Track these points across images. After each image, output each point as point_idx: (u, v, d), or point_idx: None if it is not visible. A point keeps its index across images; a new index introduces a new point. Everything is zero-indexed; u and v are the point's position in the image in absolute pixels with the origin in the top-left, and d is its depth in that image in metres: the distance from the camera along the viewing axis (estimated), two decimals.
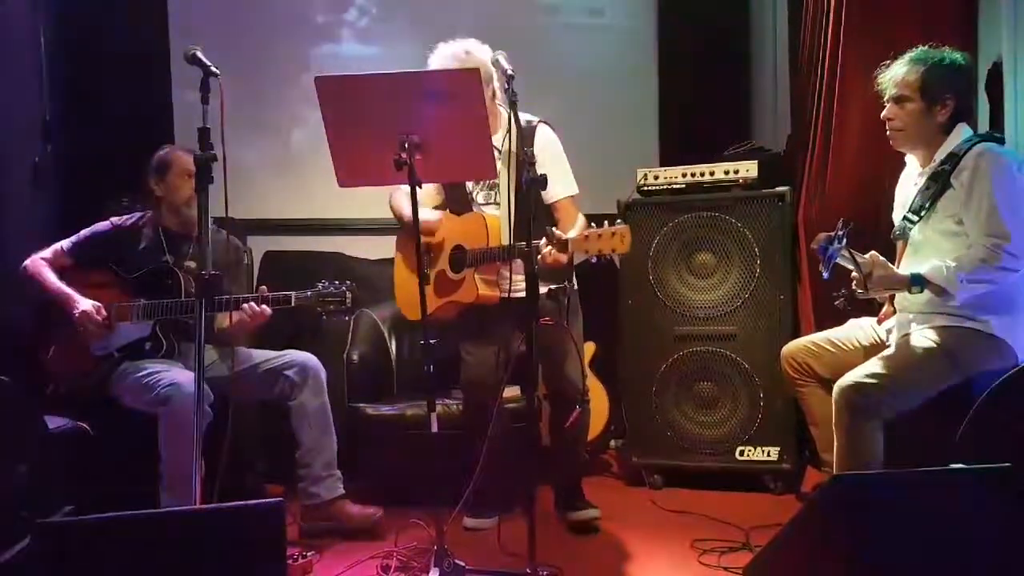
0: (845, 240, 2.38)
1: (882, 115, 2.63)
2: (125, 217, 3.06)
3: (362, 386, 3.34)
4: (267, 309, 2.75)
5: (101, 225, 3.04)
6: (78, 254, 2.97)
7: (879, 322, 2.73)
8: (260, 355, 2.97)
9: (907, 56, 2.60)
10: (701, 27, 4.25)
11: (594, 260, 2.43)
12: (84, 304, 2.82)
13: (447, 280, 2.86)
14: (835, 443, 2.49)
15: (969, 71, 2.58)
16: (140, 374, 2.77)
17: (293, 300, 2.76)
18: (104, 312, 2.82)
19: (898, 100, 2.58)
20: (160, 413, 2.65)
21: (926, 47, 2.59)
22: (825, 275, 2.43)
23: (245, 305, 2.73)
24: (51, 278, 2.90)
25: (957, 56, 2.57)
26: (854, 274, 2.47)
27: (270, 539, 1.63)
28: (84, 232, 3.02)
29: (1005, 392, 2.01)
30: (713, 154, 3.50)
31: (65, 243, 2.99)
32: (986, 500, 1.62)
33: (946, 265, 2.41)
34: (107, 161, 3.80)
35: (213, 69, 2.18)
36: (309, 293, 2.75)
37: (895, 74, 2.59)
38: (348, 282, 2.76)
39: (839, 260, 2.43)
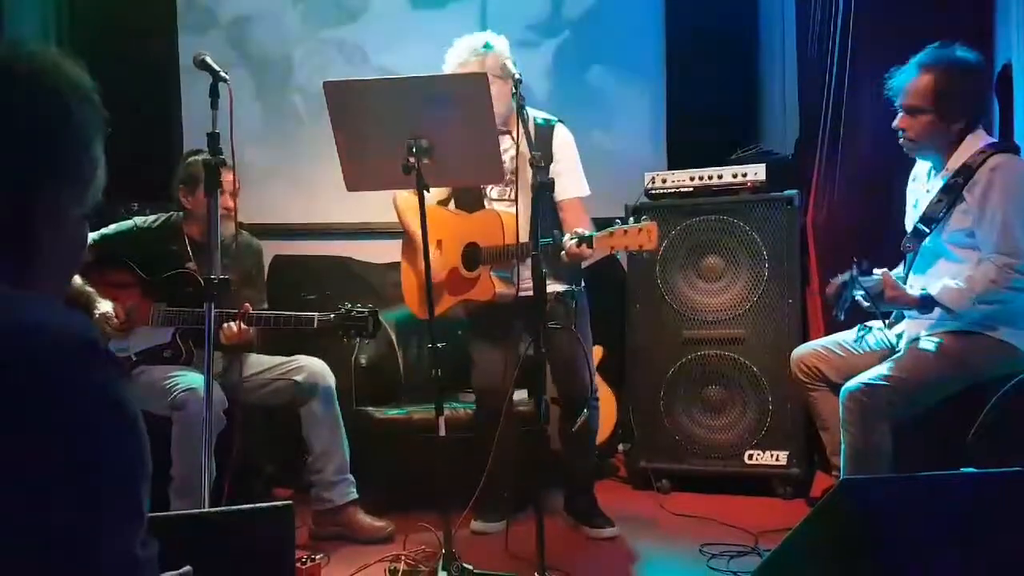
0: (859, 282, 2.37)
1: (894, 124, 2.53)
2: (150, 219, 3.04)
3: (370, 390, 3.33)
4: (248, 329, 2.72)
5: (123, 224, 3.01)
6: (97, 251, 2.91)
7: (889, 327, 2.72)
8: (269, 361, 2.97)
9: (917, 60, 2.48)
10: (709, 30, 4.24)
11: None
12: (104, 306, 2.80)
13: (460, 278, 2.83)
14: (843, 446, 2.48)
15: (983, 71, 2.48)
16: (156, 377, 2.77)
17: (316, 322, 2.73)
18: (123, 315, 2.80)
19: (910, 111, 2.47)
20: (175, 417, 2.66)
21: (936, 46, 2.47)
22: (841, 317, 2.43)
23: (225, 325, 2.69)
24: None
25: (969, 57, 2.45)
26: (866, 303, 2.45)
27: (279, 542, 1.63)
28: (105, 229, 2.98)
29: (1016, 396, 2.00)
30: (721, 157, 3.49)
31: None
32: (997, 505, 1.61)
33: (957, 286, 2.38)
34: (116, 167, 3.81)
35: (222, 74, 2.19)
36: (332, 316, 2.70)
37: (906, 81, 2.47)
38: (371, 306, 2.71)
39: (853, 295, 2.42)
